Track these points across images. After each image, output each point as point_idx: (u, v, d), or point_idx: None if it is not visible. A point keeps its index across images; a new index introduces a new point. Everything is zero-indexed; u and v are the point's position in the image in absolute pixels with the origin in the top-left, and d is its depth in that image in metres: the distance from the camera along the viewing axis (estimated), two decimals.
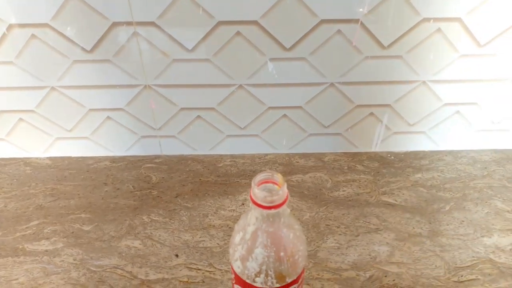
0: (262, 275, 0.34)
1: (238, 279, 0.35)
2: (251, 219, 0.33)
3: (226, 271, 0.55)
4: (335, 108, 0.69)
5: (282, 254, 0.33)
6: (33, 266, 0.55)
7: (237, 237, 0.34)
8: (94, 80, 0.64)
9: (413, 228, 0.62)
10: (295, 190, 0.67)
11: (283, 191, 0.31)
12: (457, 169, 0.72)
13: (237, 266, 0.35)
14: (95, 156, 0.73)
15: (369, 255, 0.58)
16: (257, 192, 0.31)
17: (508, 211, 0.65)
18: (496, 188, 0.69)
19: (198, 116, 0.69)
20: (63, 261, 0.56)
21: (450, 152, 0.76)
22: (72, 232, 0.60)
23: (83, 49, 0.60)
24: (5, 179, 0.69)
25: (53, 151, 0.73)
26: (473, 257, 0.58)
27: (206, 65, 0.63)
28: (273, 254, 0.33)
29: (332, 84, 0.65)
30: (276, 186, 0.33)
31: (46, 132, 0.70)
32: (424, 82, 0.66)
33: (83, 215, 0.63)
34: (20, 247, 0.58)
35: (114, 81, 0.64)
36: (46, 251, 0.57)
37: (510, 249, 0.59)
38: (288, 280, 0.35)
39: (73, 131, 0.70)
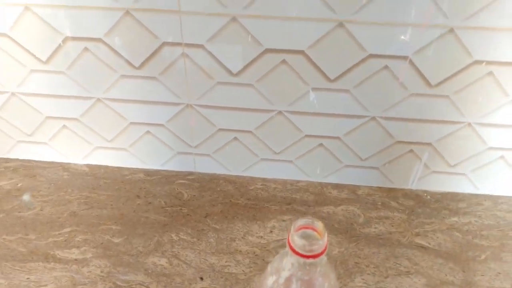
0: None
1: None
2: (287, 264, 0.32)
3: None
4: (374, 142, 0.67)
5: None
6: (62, 274, 0.56)
7: (270, 279, 0.34)
8: (139, 95, 0.65)
9: (446, 275, 0.60)
10: (325, 222, 0.66)
11: (323, 241, 0.31)
12: (496, 216, 0.69)
13: None
14: (131, 168, 0.75)
15: None
16: (296, 239, 0.30)
17: None
18: None
19: (235, 138, 0.69)
20: (90, 272, 0.57)
21: (490, 197, 0.73)
22: (102, 243, 0.61)
23: (131, 65, 0.62)
24: (43, 183, 0.71)
25: (92, 159, 0.74)
26: None
27: (248, 90, 0.63)
28: None
29: (373, 118, 0.64)
30: (315, 233, 0.32)
31: (87, 140, 0.72)
32: (469, 124, 0.64)
33: (113, 227, 0.64)
34: (52, 253, 0.59)
35: (158, 97, 0.65)
36: (76, 260, 0.58)
37: None
38: None
39: (112, 142, 0.71)
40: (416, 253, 0.62)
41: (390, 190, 0.73)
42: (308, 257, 0.30)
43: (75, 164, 0.75)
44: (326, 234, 0.31)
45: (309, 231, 0.32)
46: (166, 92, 0.64)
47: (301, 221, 0.32)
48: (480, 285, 0.59)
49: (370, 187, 0.73)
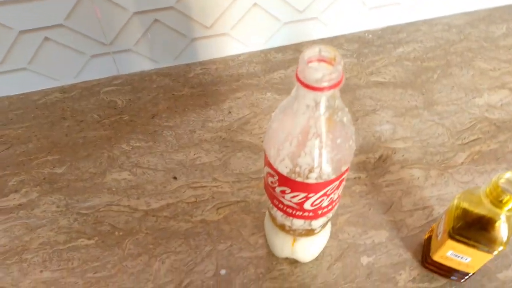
0: (318, 169, 0.29)
1: (285, 181, 0.31)
2: (299, 108, 0.27)
3: (234, 182, 0.51)
4: None
5: (339, 140, 0.28)
6: (11, 224, 0.47)
7: (280, 134, 0.29)
8: None
9: (408, 102, 0.60)
10: (280, 88, 0.62)
11: (341, 65, 0.25)
12: (435, 37, 0.70)
13: (284, 166, 0.29)
14: (40, 90, 0.61)
15: (373, 136, 0.56)
16: (313, 72, 0.25)
17: (491, 70, 0.65)
18: (475, 50, 0.68)
19: (156, 20, 0.58)
20: (44, 211, 0.48)
21: (424, 22, 0.72)
22: (44, 178, 0.51)
23: None
24: None
25: None
26: (470, 118, 0.58)
27: None
28: (329, 142, 0.28)
29: None
30: (324, 64, 0.26)
31: None
32: None
33: (49, 157, 0.53)
34: None
35: None
36: (20, 204, 0.48)
37: (501, 105, 0.60)
38: (343, 169, 0.30)
39: (4, 64, 0.56)
40: (375, 90, 0.62)
41: (332, 39, 0.69)
42: (329, 88, 0.25)
43: None
44: (341, 59, 0.26)
45: (315, 63, 0.26)
46: None
47: (309, 53, 0.26)
48: (440, 101, 0.60)
49: (312, 41, 0.69)
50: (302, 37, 0.68)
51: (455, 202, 0.39)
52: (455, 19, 0.73)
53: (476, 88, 0.62)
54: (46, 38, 0.55)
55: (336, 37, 0.69)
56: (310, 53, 0.26)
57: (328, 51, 0.26)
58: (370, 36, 0.70)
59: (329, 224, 0.43)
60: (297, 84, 0.26)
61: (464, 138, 0.56)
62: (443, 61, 0.66)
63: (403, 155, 0.54)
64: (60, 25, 0.55)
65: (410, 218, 0.48)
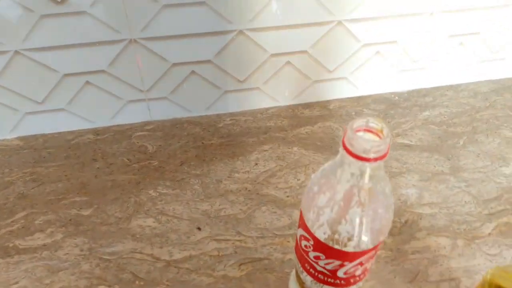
0: (357, 238, 0.29)
1: (321, 247, 0.30)
2: (344, 175, 0.27)
3: (258, 238, 0.50)
4: (341, 49, 0.63)
5: (380, 211, 0.28)
6: (34, 265, 0.47)
7: (321, 199, 0.29)
8: (67, 38, 0.53)
9: (434, 166, 0.60)
10: (307, 143, 0.62)
11: (388, 138, 0.26)
12: (461, 103, 0.71)
13: (322, 232, 0.30)
14: (75, 130, 0.63)
15: (399, 199, 0.56)
16: (361, 142, 0.25)
17: None
18: (501, 118, 0.68)
19: (193, 72, 0.60)
20: (68, 254, 0.48)
21: (450, 87, 0.74)
22: (70, 220, 0.51)
23: None
24: None
25: (23, 129, 0.61)
26: (497, 188, 0.58)
27: (200, 10, 0.54)
28: (371, 212, 0.28)
29: (339, 22, 0.60)
30: (370, 134, 0.27)
31: (11, 107, 0.58)
32: (432, 14, 0.62)
33: (77, 198, 0.54)
34: (11, 245, 0.49)
35: (91, 37, 0.53)
36: (44, 245, 0.49)
37: None
38: (381, 239, 0.30)
39: (45, 103, 0.59)
40: (402, 153, 0.62)
41: (360, 98, 0.71)
42: (375, 159, 0.25)
43: (3, 140, 0.62)
44: (389, 132, 0.26)
45: (361, 133, 0.27)
46: (101, 28, 0.53)
47: (357, 123, 0.27)
48: (467, 168, 0.60)
49: (340, 100, 0.70)
50: (330, 95, 0.69)
51: (488, 278, 0.38)
52: (480, 86, 0.74)
53: (502, 156, 0.62)
54: (88, 82, 0.58)
55: (363, 97, 0.71)
56: (359, 123, 0.27)
57: (375, 123, 0.27)
58: (397, 98, 0.71)
59: None
60: (343, 151, 0.27)
61: (491, 208, 0.55)
62: (469, 127, 0.66)
63: (429, 222, 0.53)
64: (103, 71, 0.57)
65: None
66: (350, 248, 0.29)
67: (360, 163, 0.26)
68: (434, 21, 0.64)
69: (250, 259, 0.48)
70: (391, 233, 0.51)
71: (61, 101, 0.59)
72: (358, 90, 0.70)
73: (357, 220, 0.28)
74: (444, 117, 0.68)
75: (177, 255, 0.48)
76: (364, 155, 0.26)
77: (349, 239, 0.29)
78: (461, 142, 0.64)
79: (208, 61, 0.59)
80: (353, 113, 0.68)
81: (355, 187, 0.27)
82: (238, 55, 0.60)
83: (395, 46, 0.65)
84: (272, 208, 0.54)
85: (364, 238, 0.29)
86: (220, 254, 0.48)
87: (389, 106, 0.69)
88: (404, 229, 0.52)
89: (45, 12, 0.50)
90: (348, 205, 0.28)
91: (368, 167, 0.26)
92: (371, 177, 0.27)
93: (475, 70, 0.73)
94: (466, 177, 0.59)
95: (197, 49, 0.58)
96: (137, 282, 0.46)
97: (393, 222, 0.53)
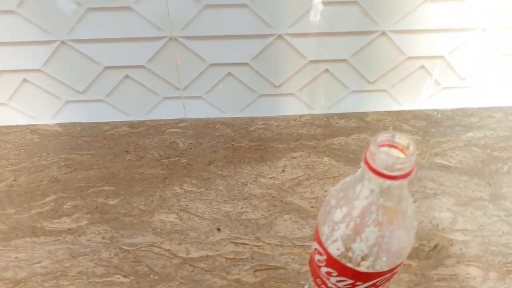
0: (371, 258, 0.27)
1: (334, 262, 0.29)
2: (363, 191, 0.26)
3: (276, 246, 0.49)
4: (384, 61, 0.61)
5: (399, 232, 0.27)
6: (56, 247, 0.48)
7: (338, 213, 0.28)
8: (111, 32, 0.55)
9: (473, 191, 0.56)
10: (339, 154, 0.61)
11: (414, 156, 0.24)
12: (510, 127, 0.66)
13: (336, 248, 0.28)
14: (112, 121, 0.65)
15: (430, 222, 0.53)
16: (383, 157, 0.24)
17: None
18: None
19: (229, 73, 0.61)
20: (90, 240, 0.49)
21: (500, 109, 0.69)
22: (96, 207, 0.53)
23: None
24: (11, 150, 0.61)
25: (63, 116, 0.64)
26: None
27: (242, 12, 0.54)
28: (389, 233, 0.26)
29: (384, 33, 0.58)
30: (395, 150, 0.26)
31: (54, 95, 0.61)
32: (484, 30, 0.59)
33: (106, 188, 0.55)
34: (38, 225, 0.51)
35: (134, 32, 0.55)
36: (69, 229, 0.50)
37: None
38: (398, 262, 0.28)
39: (86, 93, 0.61)
40: (438, 174, 0.59)
41: (399, 113, 0.68)
42: (397, 178, 0.24)
43: (44, 125, 0.65)
44: (415, 149, 0.25)
45: (385, 148, 0.26)
46: (143, 24, 0.54)
47: (382, 137, 0.25)
48: (509, 196, 0.56)
49: (378, 113, 0.68)
50: (368, 107, 0.67)
51: None
52: None
53: None
54: (127, 76, 0.60)
55: (403, 112, 0.68)
56: (383, 137, 0.25)
57: (402, 139, 0.25)
58: (439, 115, 0.68)
59: None
60: (364, 166, 0.25)
61: None
62: None
63: (460, 249, 0.50)
64: (142, 67, 0.59)
65: None
66: (363, 268, 0.28)
67: (380, 180, 0.25)
68: (486, 37, 0.60)
69: (266, 266, 0.47)
70: (417, 257, 0.49)
71: (100, 92, 0.61)
72: (398, 105, 0.67)
73: (373, 240, 0.26)
74: (490, 140, 0.64)
75: (194, 254, 0.48)
76: (385, 172, 0.24)
77: (363, 259, 0.27)
78: (505, 168, 0.60)
79: (245, 64, 0.59)
80: (391, 128, 0.65)
81: (373, 204, 0.26)
82: (276, 60, 0.59)
83: (441, 61, 0.62)
84: (295, 217, 0.52)
85: (380, 259, 0.27)
86: (236, 258, 0.48)
87: (430, 124, 0.66)
88: (432, 254, 0.49)
89: (92, 5, 0.52)
90: (364, 223, 0.26)
91: (389, 185, 0.25)
92: (392, 196, 0.25)
93: None
94: (507, 206, 0.55)
95: (235, 51, 0.58)
96: (151, 276, 0.46)
97: (421, 245, 0.50)
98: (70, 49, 0.56)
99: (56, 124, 0.65)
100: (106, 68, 0.58)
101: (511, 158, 0.61)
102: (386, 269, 0.28)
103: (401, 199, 0.26)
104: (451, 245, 0.50)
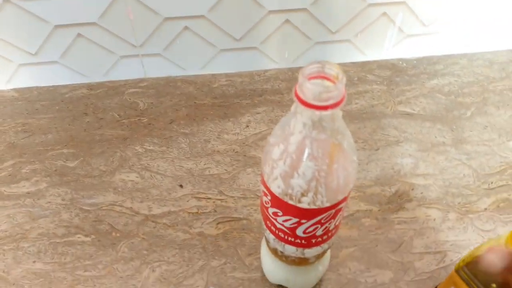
0: (311, 194, 0.27)
1: (277, 201, 0.29)
2: (296, 126, 0.25)
3: (239, 198, 0.49)
4: (345, 9, 0.60)
5: (336, 166, 0.27)
6: (16, 211, 0.48)
7: (275, 151, 0.27)
8: None
9: (436, 137, 0.57)
10: None
11: (342, 85, 0.24)
12: (474, 72, 0.66)
13: (276, 186, 0.28)
14: (69, 84, 0.63)
15: (392, 168, 0.53)
16: (310, 87, 0.23)
17: None
18: None
19: (186, 27, 0.58)
20: (49, 202, 0.49)
21: (464, 55, 0.69)
22: (55, 170, 0.52)
23: None
24: None
25: (18, 81, 0.62)
26: (501, 162, 0.54)
27: None
28: (325, 167, 0.26)
29: None
30: (327, 81, 0.25)
31: (6, 58, 0.59)
32: None
33: (65, 150, 0.54)
34: None
35: None
36: (28, 193, 0.49)
37: None
38: (339, 198, 0.28)
39: (38, 55, 0.59)
40: (402, 121, 0.59)
41: (364, 63, 0.67)
42: (326, 107, 0.23)
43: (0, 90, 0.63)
44: (343, 77, 0.24)
45: (318, 80, 0.25)
46: None
47: (310, 68, 0.24)
48: (470, 140, 0.57)
49: (343, 64, 0.67)
50: (332, 58, 0.66)
51: (501, 241, 0.33)
52: (498, 56, 0.69)
53: (511, 130, 0.58)
54: (79, 35, 0.57)
55: (368, 62, 0.67)
56: (312, 68, 0.25)
57: (331, 68, 0.25)
58: (404, 64, 0.67)
59: (327, 256, 0.40)
60: (295, 100, 0.25)
61: (492, 183, 0.52)
62: (480, 98, 0.62)
63: (421, 193, 0.51)
64: (94, 23, 0.56)
65: (419, 262, 0.44)
66: (305, 204, 0.28)
67: (310, 111, 0.24)
68: None
69: (229, 218, 0.47)
70: (378, 202, 0.49)
71: (54, 53, 0.59)
72: (363, 55, 0.66)
73: (310, 175, 0.26)
74: (454, 87, 0.64)
75: (156, 210, 0.48)
76: (314, 103, 0.23)
77: (303, 195, 0.27)
78: (469, 113, 0.60)
79: (202, 16, 0.57)
80: (356, 79, 0.65)
81: (307, 138, 0.25)
82: (234, 11, 0.57)
83: (403, 7, 0.61)
84: (258, 170, 0.52)
85: (319, 194, 0.27)
86: (199, 212, 0.48)
87: (395, 73, 0.66)
88: (393, 199, 0.50)
89: None
90: (300, 158, 0.26)
91: (320, 117, 0.24)
92: (324, 129, 0.25)
93: (493, 38, 0.68)
94: (468, 150, 0.55)
95: (190, 3, 0.55)
96: (113, 233, 0.46)
97: (383, 191, 0.50)
98: (16, 7, 0.53)
99: (12, 89, 0.62)
100: (57, 26, 0.56)
101: (475, 103, 0.61)
102: (328, 204, 0.28)
103: (335, 132, 0.26)
104: (412, 189, 0.51)
